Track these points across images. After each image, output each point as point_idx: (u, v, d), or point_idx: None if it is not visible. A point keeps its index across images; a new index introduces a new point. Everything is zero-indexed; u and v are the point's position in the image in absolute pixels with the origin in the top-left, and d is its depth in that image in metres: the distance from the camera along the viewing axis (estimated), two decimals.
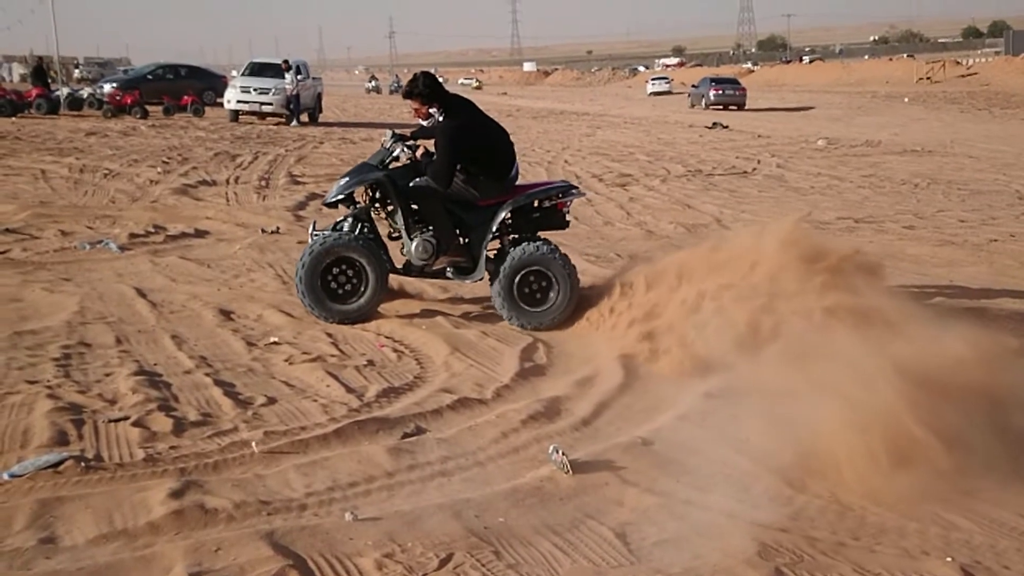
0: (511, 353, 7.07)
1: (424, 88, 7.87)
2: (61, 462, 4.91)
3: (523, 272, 7.74)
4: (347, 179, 8.06)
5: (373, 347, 7.20)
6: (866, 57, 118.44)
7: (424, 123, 8.18)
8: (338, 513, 4.46)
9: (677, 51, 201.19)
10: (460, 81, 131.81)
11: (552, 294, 7.77)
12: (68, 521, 4.33)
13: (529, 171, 20.21)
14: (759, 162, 22.65)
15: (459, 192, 7.89)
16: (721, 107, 51.25)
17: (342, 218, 8.14)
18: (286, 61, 33.54)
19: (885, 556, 4.15)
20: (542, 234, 8.10)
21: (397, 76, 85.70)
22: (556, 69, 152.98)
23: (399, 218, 7.92)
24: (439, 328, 7.63)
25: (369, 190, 8.04)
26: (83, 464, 4.90)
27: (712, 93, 52.36)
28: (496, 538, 4.28)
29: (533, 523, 4.44)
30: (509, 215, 7.94)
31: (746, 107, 51.70)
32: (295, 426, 5.54)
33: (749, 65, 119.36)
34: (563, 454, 5.02)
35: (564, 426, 5.69)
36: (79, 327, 7.44)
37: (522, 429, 5.59)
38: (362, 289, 7.73)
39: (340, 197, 7.99)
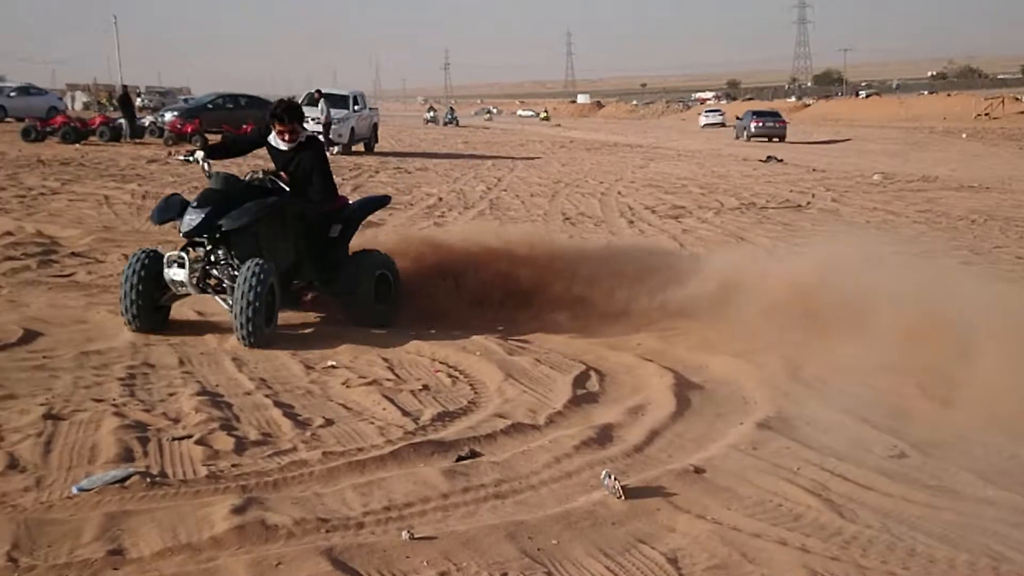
0: (564, 380, 7.16)
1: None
2: (127, 477, 5.06)
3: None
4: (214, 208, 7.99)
5: (428, 372, 7.32)
6: (924, 92, 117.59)
7: (284, 147, 8.50)
8: (395, 532, 4.56)
9: (732, 85, 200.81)
10: (519, 112, 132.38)
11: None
12: (135, 534, 4.46)
13: (582, 202, 20.35)
14: (813, 196, 22.60)
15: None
16: (765, 139, 53.25)
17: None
18: (319, 91, 34.07)
19: None
20: None
21: (451, 108, 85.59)
22: (610, 101, 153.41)
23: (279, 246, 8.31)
24: (493, 355, 7.74)
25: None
26: (148, 480, 5.05)
27: (753, 125, 55.24)
28: (549, 560, 4.36)
29: (585, 546, 4.51)
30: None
31: (798, 140, 52.51)
32: (352, 447, 5.67)
33: (797, 99, 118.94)
34: (615, 479, 5.09)
35: (616, 452, 5.75)
36: (143, 348, 7.64)
37: (575, 455, 5.67)
38: None
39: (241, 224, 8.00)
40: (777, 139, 53.34)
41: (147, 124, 36.19)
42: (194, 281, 7.95)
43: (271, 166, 8.61)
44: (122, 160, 25.76)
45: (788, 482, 5.30)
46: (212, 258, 8.07)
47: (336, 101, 34.45)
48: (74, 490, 4.92)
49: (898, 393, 6.91)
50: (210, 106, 40.30)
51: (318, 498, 4.95)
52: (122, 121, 36.56)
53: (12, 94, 50.19)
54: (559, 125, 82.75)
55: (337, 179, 22.74)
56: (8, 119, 46.38)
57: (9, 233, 13.07)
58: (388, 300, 8.85)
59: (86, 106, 70.91)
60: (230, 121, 36.42)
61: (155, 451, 5.51)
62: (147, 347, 7.67)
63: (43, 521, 4.53)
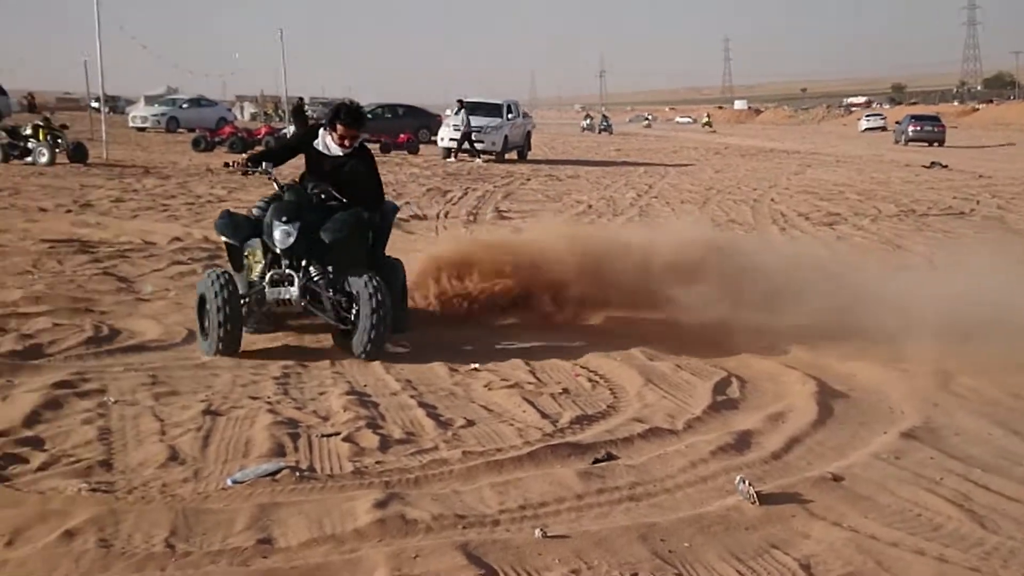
0: (704, 387, 7.16)
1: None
2: (278, 471, 5.31)
3: None
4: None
5: (569, 376, 7.42)
6: None
7: (339, 152, 8.19)
8: (529, 530, 4.67)
9: (897, 89, 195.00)
10: (677, 119, 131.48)
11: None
12: (283, 525, 4.68)
13: (733, 209, 20.16)
14: (978, 202, 21.85)
15: None
16: (924, 143, 53.07)
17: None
18: (460, 101, 34.70)
19: None
20: None
21: (604, 116, 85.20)
22: (768, 107, 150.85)
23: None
24: (634, 360, 7.80)
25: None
26: (298, 474, 5.29)
27: (911, 129, 55.53)
28: (680, 562, 4.40)
29: (717, 550, 4.53)
30: None
31: (958, 145, 51.26)
32: (491, 447, 5.81)
33: (959, 102, 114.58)
34: (749, 484, 5.09)
35: (753, 459, 5.74)
36: (296, 349, 7.96)
37: (711, 460, 5.68)
38: None
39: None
40: (936, 143, 53.00)
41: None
42: (305, 298, 7.78)
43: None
44: (286, 169, 26.58)
45: (930, 492, 5.20)
46: (306, 274, 7.82)
47: (490, 110, 35.08)
48: (228, 482, 5.19)
49: None
50: (369, 116, 41.25)
51: (456, 495, 5.09)
52: (286, 131, 37.88)
53: (184, 106, 52.68)
54: (714, 131, 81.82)
55: (489, 186, 23.29)
56: (180, 129, 48.62)
57: (177, 239, 13.75)
58: (405, 304, 8.71)
59: (253, 116, 73.68)
60: (388, 130, 37.41)
61: (305, 447, 5.76)
62: (300, 348, 7.99)
63: (199, 510, 4.80)
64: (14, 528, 4.49)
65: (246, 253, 8.02)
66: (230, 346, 7.56)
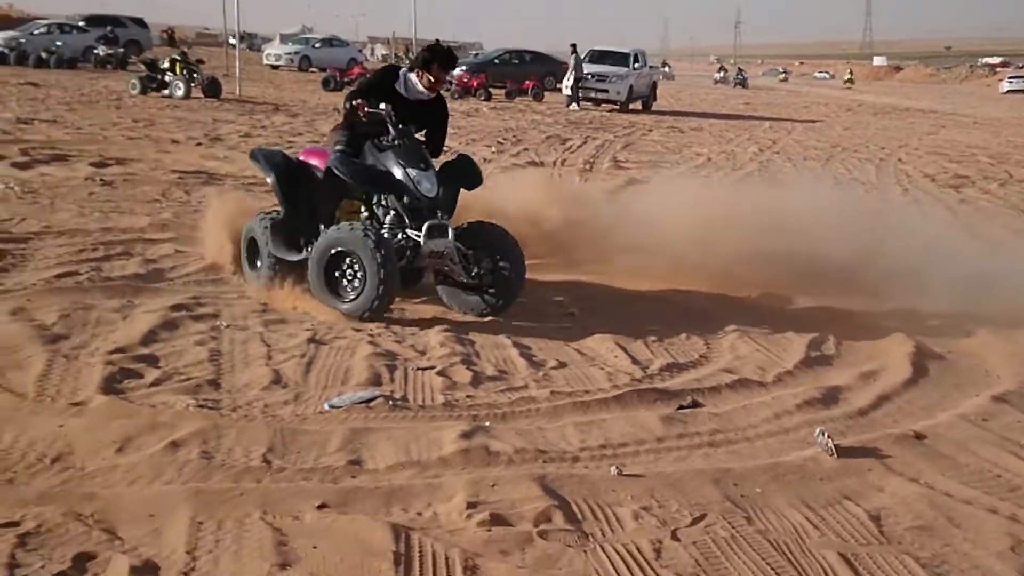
0: (800, 341, 7.18)
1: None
2: (373, 399, 5.57)
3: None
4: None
5: (665, 323, 7.51)
6: None
7: (425, 95, 7.59)
8: (606, 467, 4.83)
9: None
10: (816, 75, 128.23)
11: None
12: (373, 448, 4.93)
13: (857, 167, 19.79)
14: None
15: None
16: None
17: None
18: (574, 45, 34.64)
19: None
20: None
21: (740, 69, 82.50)
22: (909, 65, 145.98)
23: None
24: (734, 305, 7.85)
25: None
26: (391, 403, 5.54)
27: None
28: (750, 506, 4.51)
29: (789, 497, 4.62)
30: None
31: None
32: (580, 389, 5.97)
33: None
34: (829, 437, 5.15)
35: (839, 414, 5.78)
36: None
37: (796, 412, 5.74)
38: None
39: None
40: None
41: None
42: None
43: None
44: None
45: (1012, 455, 5.20)
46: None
47: (617, 59, 34.93)
48: (326, 406, 5.47)
49: None
50: (496, 61, 41.55)
51: (540, 432, 5.28)
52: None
53: (317, 45, 53.59)
54: (849, 88, 79.54)
55: (609, 136, 23.26)
56: (312, 69, 49.49)
57: None
58: None
59: (384, 58, 74.38)
60: (514, 76, 37.48)
61: (400, 378, 6.01)
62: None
63: (296, 431, 5.08)
64: (125, 436, 4.84)
65: (341, 203, 7.57)
66: (384, 308, 7.11)
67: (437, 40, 7.44)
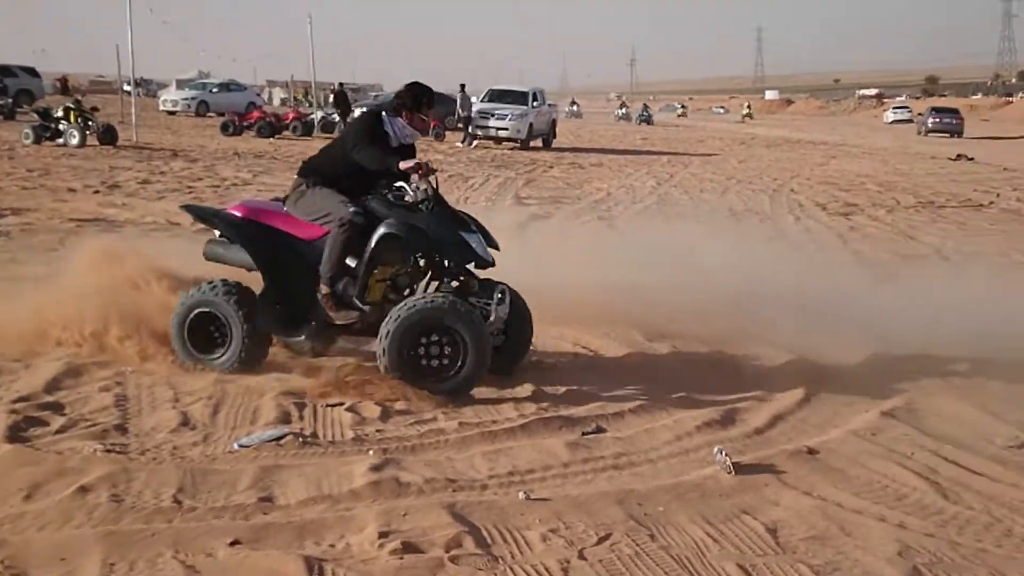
0: (696, 367, 7.41)
1: None
2: (283, 436, 5.63)
3: None
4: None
5: (569, 352, 7.69)
6: None
7: (410, 141, 7.16)
8: (514, 493, 4.96)
9: (931, 81, 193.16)
10: (713, 109, 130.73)
11: None
12: (284, 485, 5.00)
13: (752, 199, 20.33)
14: (998, 195, 21.92)
15: None
16: (945, 134, 56.46)
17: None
18: (462, 85, 35.73)
19: None
20: None
21: (645, 105, 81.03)
22: (800, 98, 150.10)
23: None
24: (632, 340, 8.05)
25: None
26: (301, 439, 5.61)
27: (931, 121, 59.18)
28: (654, 524, 4.68)
29: (690, 514, 4.80)
30: None
31: (974, 136, 54.89)
32: (487, 419, 6.10)
33: (981, 95, 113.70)
34: (727, 455, 5.36)
35: (736, 434, 6.00)
36: None
37: (696, 434, 5.95)
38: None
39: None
40: (956, 135, 56.00)
41: (337, 119, 37.70)
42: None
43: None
44: (311, 154, 27.04)
45: (899, 466, 5.47)
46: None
47: (516, 97, 35.37)
48: (235, 446, 5.51)
49: None
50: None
51: (449, 462, 5.40)
52: (314, 117, 38.36)
53: (214, 90, 53.15)
54: (742, 121, 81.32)
55: (511, 173, 23.54)
56: (210, 114, 49.11)
57: None
58: None
59: (283, 101, 74.13)
60: None
61: (310, 415, 6.08)
62: None
63: (207, 471, 5.12)
64: (32, 483, 4.84)
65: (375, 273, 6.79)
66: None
67: (415, 81, 7.05)
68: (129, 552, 4.16)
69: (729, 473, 5.27)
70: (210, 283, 6.93)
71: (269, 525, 4.52)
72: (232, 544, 4.28)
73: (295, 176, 7.14)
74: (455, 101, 41.77)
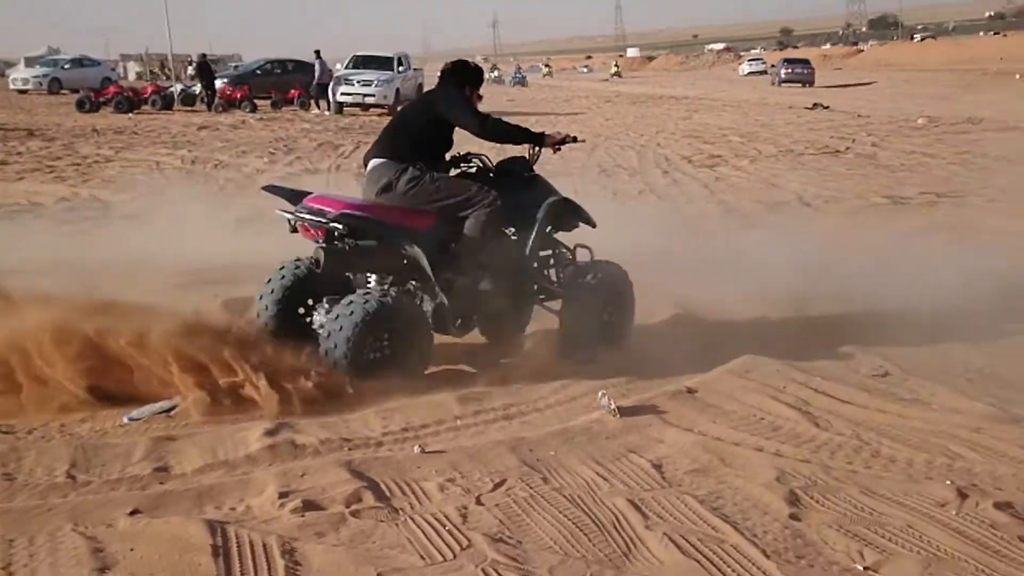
0: None
1: None
2: (172, 408, 5.63)
3: None
4: None
5: None
6: (980, 34, 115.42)
7: None
8: (409, 448, 5.08)
9: (785, 32, 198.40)
10: (579, 69, 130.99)
11: None
12: (179, 454, 5.02)
13: (620, 155, 20.68)
14: (853, 141, 22.72)
15: None
16: (798, 84, 58.30)
17: None
18: (317, 52, 36.46)
19: (891, 480, 4.62)
20: None
21: (519, 67, 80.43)
22: (661, 54, 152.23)
23: None
24: None
25: None
26: None
27: (783, 72, 61.13)
28: (546, 467, 4.86)
29: (580, 456, 5.00)
30: None
31: (824, 85, 56.48)
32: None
33: (832, 45, 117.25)
34: (611, 400, 5.58)
35: (619, 379, 6.22)
36: None
37: (580, 381, 6.15)
38: None
39: None
40: (807, 84, 58.07)
41: (198, 92, 36.90)
42: None
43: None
44: (173, 127, 26.52)
45: (773, 399, 5.78)
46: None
47: (381, 63, 35.16)
48: (125, 420, 5.50)
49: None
50: (259, 72, 41.04)
51: (344, 422, 5.48)
52: (173, 89, 37.48)
53: (67, 66, 51.32)
54: (606, 80, 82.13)
55: (374, 138, 23.45)
56: (64, 91, 47.47)
57: (64, 199, 13.79)
58: None
59: (139, 75, 72.10)
60: (278, 86, 37.20)
61: None
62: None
63: (98, 446, 5.11)
64: None
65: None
66: None
67: (463, 59, 6.83)
68: (27, 527, 4.15)
69: (614, 416, 5.48)
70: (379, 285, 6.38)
71: (167, 493, 4.55)
72: (132, 513, 4.30)
73: (380, 161, 6.54)
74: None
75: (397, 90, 34.41)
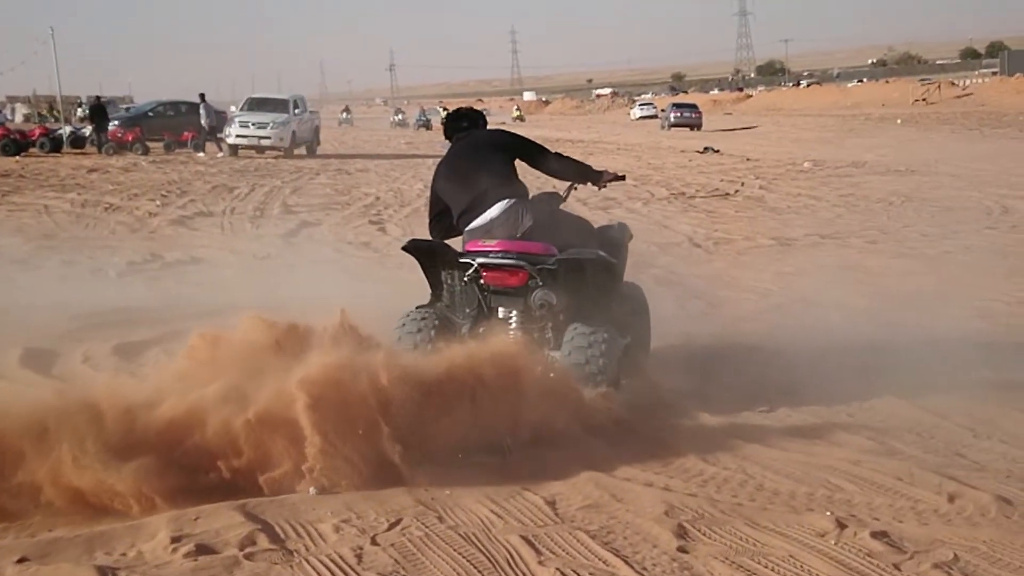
0: None
1: None
2: None
3: None
4: None
5: None
6: (863, 80, 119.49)
7: None
8: (304, 489, 5.08)
9: (677, 78, 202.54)
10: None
11: None
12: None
13: None
14: (742, 184, 23.32)
15: None
16: (686, 127, 59.66)
17: None
18: (202, 95, 37.11)
19: (775, 512, 4.78)
20: None
21: (423, 110, 79.72)
22: (557, 98, 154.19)
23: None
24: None
25: None
26: None
27: (673, 116, 62.67)
28: (441, 507, 4.91)
29: (476, 495, 5.06)
30: None
31: (714, 129, 57.91)
32: None
33: (721, 90, 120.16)
34: (508, 437, 5.66)
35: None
36: None
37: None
38: None
39: None
40: (696, 128, 59.56)
41: (88, 134, 36.29)
42: None
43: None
44: (62, 170, 26.03)
45: (665, 437, 5.92)
46: None
47: (277, 105, 35.02)
48: None
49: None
50: (151, 114, 40.51)
51: None
52: (62, 132, 36.78)
53: None
54: (503, 124, 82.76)
55: (276, 182, 23.34)
56: None
57: None
58: None
59: (27, 118, 70.48)
60: (171, 128, 36.76)
61: None
62: None
63: None
64: None
65: None
66: None
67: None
68: None
69: (508, 453, 5.56)
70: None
71: (56, 540, 4.49)
72: (19, 561, 4.24)
73: (513, 201, 6.71)
74: (217, 112, 41.17)
75: (293, 132, 34.33)
